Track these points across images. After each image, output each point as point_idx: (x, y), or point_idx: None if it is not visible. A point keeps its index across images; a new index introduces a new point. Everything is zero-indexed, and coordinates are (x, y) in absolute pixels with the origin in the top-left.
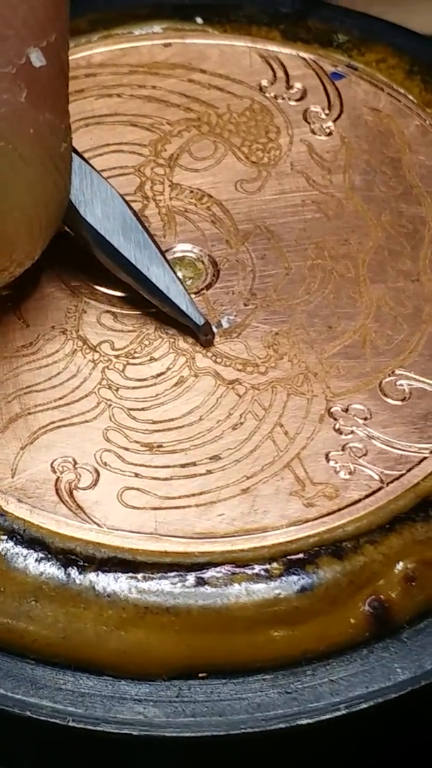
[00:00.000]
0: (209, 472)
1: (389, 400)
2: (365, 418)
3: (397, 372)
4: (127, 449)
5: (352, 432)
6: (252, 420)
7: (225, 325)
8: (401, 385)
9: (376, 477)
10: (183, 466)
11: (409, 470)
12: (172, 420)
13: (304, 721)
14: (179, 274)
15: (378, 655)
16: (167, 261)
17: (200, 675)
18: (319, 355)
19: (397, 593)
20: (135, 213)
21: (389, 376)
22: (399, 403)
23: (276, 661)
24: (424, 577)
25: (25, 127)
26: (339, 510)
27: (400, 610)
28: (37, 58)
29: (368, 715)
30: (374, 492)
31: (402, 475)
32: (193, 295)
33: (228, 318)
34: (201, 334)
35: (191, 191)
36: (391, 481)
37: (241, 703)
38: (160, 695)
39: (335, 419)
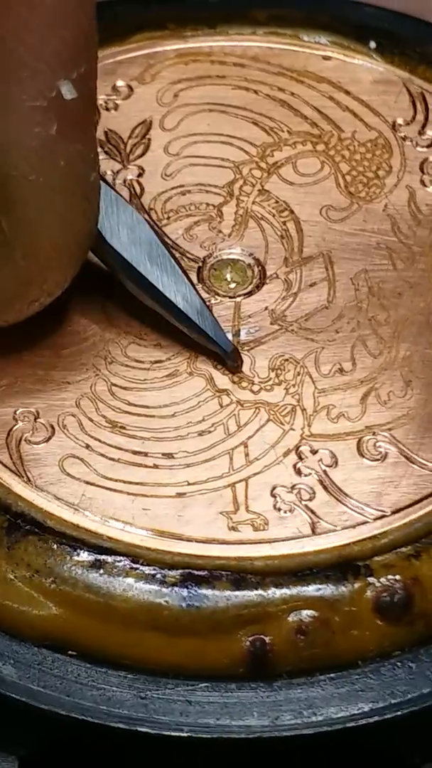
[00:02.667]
0: (156, 466)
1: (361, 458)
2: (329, 466)
3: (384, 433)
4: (91, 420)
5: (309, 475)
6: (221, 432)
7: (243, 336)
8: (380, 446)
9: (309, 524)
10: (134, 452)
11: (344, 528)
12: (146, 407)
13: (142, 729)
14: (228, 276)
15: (242, 694)
16: (194, 286)
17: (69, 652)
18: (317, 393)
19: (283, 641)
20: (161, 238)
21: (374, 434)
22: (369, 462)
23: (142, 664)
24: (317, 634)
25: (57, 160)
26: (258, 543)
27: (282, 659)
28: (68, 91)
29: (197, 746)
30: (301, 537)
31: (335, 531)
32: (227, 299)
33: (249, 330)
34: (229, 360)
35: (276, 202)
36: (323, 533)
37: (92, 692)
38: (24, 657)
39: (300, 458)
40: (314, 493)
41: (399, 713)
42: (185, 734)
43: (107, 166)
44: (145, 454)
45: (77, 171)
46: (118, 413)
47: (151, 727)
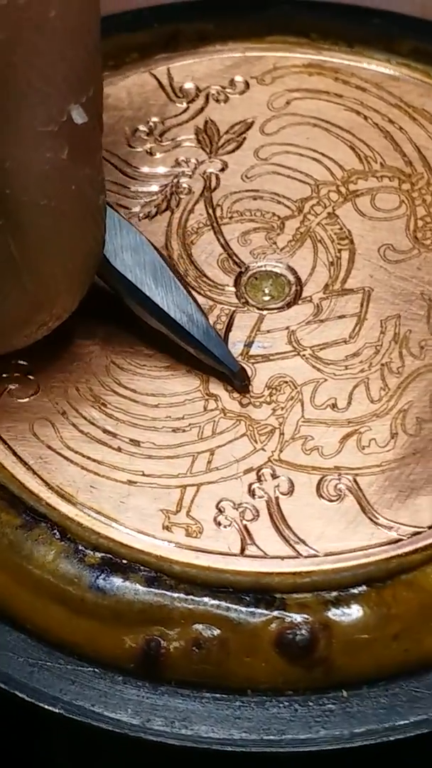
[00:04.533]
0: (119, 449)
1: (317, 495)
2: (283, 494)
3: (348, 477)
4: (77, 389)
5: (260, 497)
6: (194, 434)
7: (253, 348)
8: (340, 488)
9: (239, 545)
10: (105, 431)
11: (272, 557)
12: (135, 392)
13: (20, 695)
14: (266, 288)
15: (125, 688)
16: (200, 306)
17: None
18: (301, 421)
19: (179, 649)
20: (165, 259)
21: (339, 476)
22: (323, 501)
23: (43, 633)
24: (212, 651)
25: (67, 184)
26: (185, 548)
27: (172, 666)
28: (78, 115)
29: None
30: (228, 555)
31: (262, 558)
32: (254, 309)
33: (262, 344)
34: (236, 380)
35: (340, 228)
36: (250, 556)
37: None
38: None
39: (258, 479)
40: (258, 515)
41: (267, 750)
42: (57, 710)
43: (193, 154)
44: (114, 435)
45: (87, 195)
46: (105, 390)
47: (27, 695)
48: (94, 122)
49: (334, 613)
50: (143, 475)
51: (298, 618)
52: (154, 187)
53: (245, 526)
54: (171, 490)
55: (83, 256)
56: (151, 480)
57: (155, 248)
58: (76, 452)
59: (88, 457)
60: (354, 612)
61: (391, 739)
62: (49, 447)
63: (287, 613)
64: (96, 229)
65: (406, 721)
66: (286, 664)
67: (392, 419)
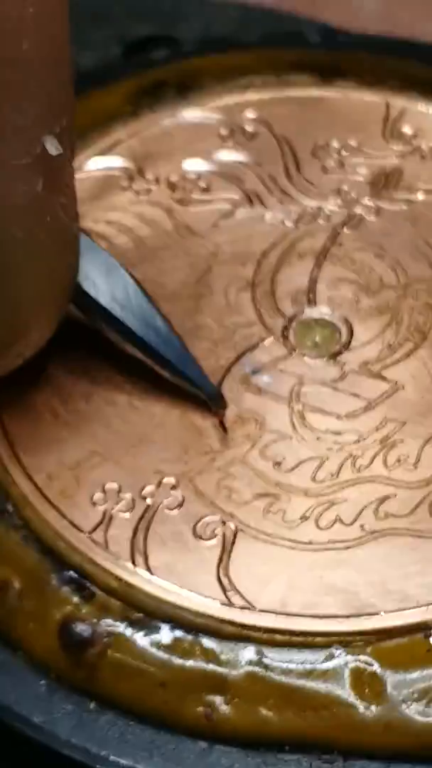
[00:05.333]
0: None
1: (194, 535)
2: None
3: (216, 519)
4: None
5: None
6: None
7: (254, 377)
8: (215, 530)
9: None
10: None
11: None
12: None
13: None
14: (317, 335)
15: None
16: (175, 331)
17: None
18: (238, 470)
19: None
20: (138, 283)
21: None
22: (200, 542)
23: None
24: None
25: (43, 216)
26: None
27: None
28: (52, 146)
29: None
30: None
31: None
32: (289, 346)
33: (266, 377)
34: (212, 404)
35: (424, 322)
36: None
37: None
38: None
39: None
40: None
41: None
42: None
43: (362, 191)
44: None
45: (62, 225)
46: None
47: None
48: (67, 152)
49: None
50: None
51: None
52: (309, 202)
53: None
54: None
55: (59, 285)
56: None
57: (127, 272)
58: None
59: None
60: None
61: None
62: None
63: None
64: (71, 256)
65: None
66: (66, 654)
67: (346, 513)
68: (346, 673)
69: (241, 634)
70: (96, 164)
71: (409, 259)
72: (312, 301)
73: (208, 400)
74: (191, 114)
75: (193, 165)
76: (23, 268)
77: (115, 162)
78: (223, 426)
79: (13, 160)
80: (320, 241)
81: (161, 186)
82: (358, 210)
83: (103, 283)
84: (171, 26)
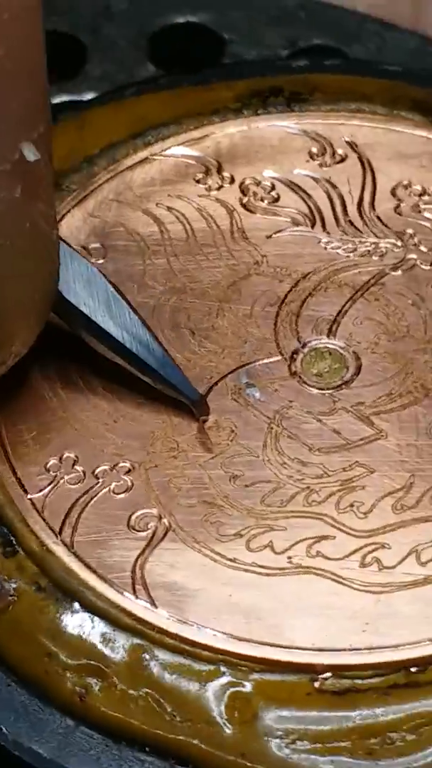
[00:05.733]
0: None
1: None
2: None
3: (170, 522)
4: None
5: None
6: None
7: (248, 390)
8: (149, 523)
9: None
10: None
11: None
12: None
13: None
14: (326, 364)
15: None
16: (155, 337)
17: None
18: (194, 473)
19: None
20: (118, 290)
21: (170, 527)
22: (133, 533)
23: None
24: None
25: (22, 222)
26: None
27: None
28: (30, 152)
29: None
30: None
31: None
32: (296, 370)
33: (259, 392)
34: (195, 408)
35: None
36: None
37: None
38: None
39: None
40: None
41: None
42: None
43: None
44: None
45: (42, 231)
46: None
47: None
48: (45, 158)
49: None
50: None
51: None
52: (369, 237)
53: None
54: None
55: (40, 292)
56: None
57: (107, 279)
58: None
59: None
60: None
61: None
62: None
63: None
64: (51, 264)
65: None
66: None
67: (260, 530)
68: (224, 693)
69: (134, 628)
70: (179, 150)
71: None
72: (332, 333)
73: (191, 405)
74: (290, 125)
75: (272, 174)
76: (4, 275)
77: (198, 152)
78: (202, 427)
79: None
80: (364, 276)
81: (233, 186)
82: (414, 255)
83: (84, 290)
84: (346, 42)
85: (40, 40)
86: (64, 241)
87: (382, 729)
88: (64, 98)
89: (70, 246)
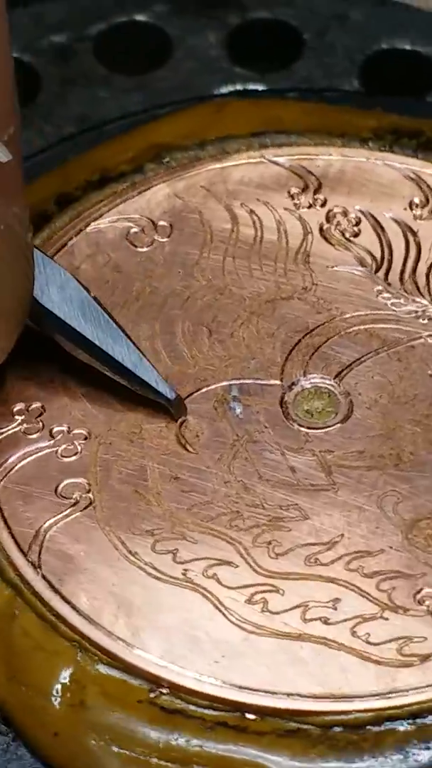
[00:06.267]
0: None
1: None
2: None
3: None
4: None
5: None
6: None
7: (232, 403)
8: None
9: None
10: None
11: None
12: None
13: None
14: (320, 403)
15: None
16: (130, 338)
17: None
18: (139, 460)
19: None
20: (92, 294)
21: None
22: (59, 499)
23: None
24: None
25: None
26: None
27: None
28: (2, 153)
29: None
30: None
31: None
32: (276, 393)
33: (241, 410)
34: (173, 409)
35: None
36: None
37: None
38: None
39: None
40: None
41: None
42: None
43: None
44: None
45: (16, 233)
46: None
47: None
48: (16, 159)
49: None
50: None
51: None
52: (424, 299)
53: None
54: None
55: (17, 296)
56: None
57: (81, 284)
58: None
59: None
60: None
61: None
62: None
63: None
64: (27, 266)
65: None
66: None
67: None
68: (68, 672)
69: (14, 582)
70: (288, 161)
71: None
72: (340, 377)
73: (169, 406)
74: (406, 168)
75: (363, 209)
76: None
77: (304, 167)
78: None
79: None
80: (398, 335)
81: (321, 210)
82: None
83: (57, 295)
84: None
85: (7, 43)
86: (38, 248)
87: (190, 759)
88: (260, 87)
89: (41, 251)
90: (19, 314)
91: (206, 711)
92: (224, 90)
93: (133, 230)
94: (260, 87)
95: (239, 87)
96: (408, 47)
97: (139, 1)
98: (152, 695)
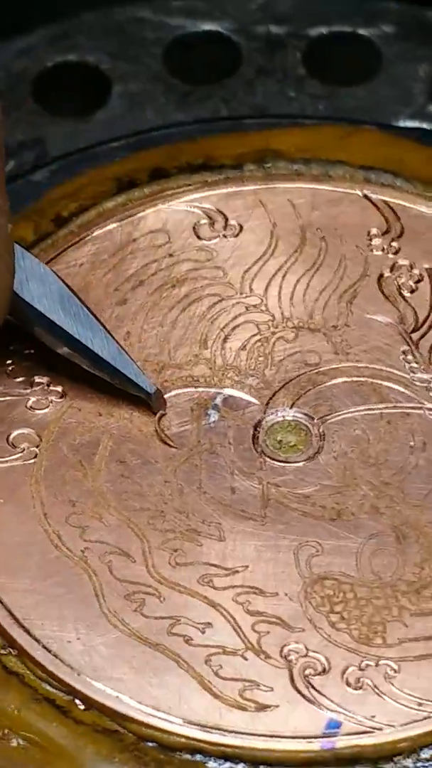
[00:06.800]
0: None
1: None
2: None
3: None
4: None
5: None
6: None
7: (210, 411)
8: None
9: None
10: None
11: None
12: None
13: None
14: (292, 438)
15: None
16: (109, 332)
17: None
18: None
19: None
20: (71, 289)
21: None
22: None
23: None
24: None
25: None
26: None
27: None
28: None
29: None
30: None
31: None
32: (257, 415)
33: (214, 418)
34: (152, 402)
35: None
36: None
37: None
38: None
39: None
40: None
41: None
42: None
43: None
44: None
45: None
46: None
47: None
48: None
49: None
50: None
51: None
52: None
53: None
54: None
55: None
56: None
57: (60, 278)
58: None
59: None
60: None
61: None
62: None
63: None
64: (8, 256)
65: None
66: None
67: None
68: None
69: None
70: (383, 201)
71: None
72: (324, 419)
73: (148, 399)
74: None
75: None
76: None
77: (392, 213)
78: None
79: None
80: (401, 398)
81: (390, 258)
82: None
83: (37, 288)
84: None
85: None
86: (17, 242)
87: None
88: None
89: (20, 245)
90: (1, 309)
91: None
92: (409, 124)
93: (202, 221)
94: None
95: (425, 126)
96: None
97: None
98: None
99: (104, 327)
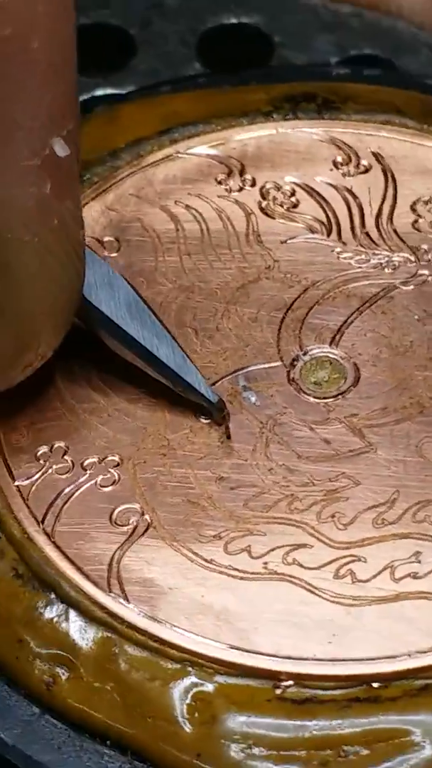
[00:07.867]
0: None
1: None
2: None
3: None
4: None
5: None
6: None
7: (245, 393)
8: (130, 519)
9: None
10: None
11: None
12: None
13: None
14: (325, 371)
15: None
16: (175, 339)
17: None
18: (179, 472)
19: None
20: (138, 293)
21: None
22: (116, 527)
23: None
24: None
25: (51, 219)
26: None
27: None
28: (60, 148)
29: None
30: None
31: None
32: (282, 372)
33: (254, 397)
34: (215, 412)
35: None
36: None
37: None
38: None
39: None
40: None
41: None
42: None
43: None
44: None
45: (70, 229)
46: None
47: None
48: (74, 155)
49: None
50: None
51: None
52: (383, 251)
53: None
54: None
55: (67, 292)
56: None
57: (128, 283)
58: None
59: None
60: None
61: None
62: None
63: None
64: (78, 263)
65: None
66: None
67: (239, 533)
68: (187, 692)
69: (105, 621)
70: (204, 150)
71: None
72: (335, 342)
73: (210, 408)
74: (318, 132)
75: (294, 180)
76: (32, 273)
77: (222, 153)
78: (228, 434)
79: (22, 161)
80: (374, 289)
81: (254, 190)
82: (426, 272)
83: (106, 293)
84: (396, 53)
85: (72, 34)
86: (87, 246)
87: (338, 741)
88: (108, 91)
89: (90, 248)
90: (67, 311)
91: (335, 692)
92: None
93: None
94: (110, 91)
95: (85, 95)
96: (234, 21)
97: None
98: (278, 691)
99: (170, 334)
